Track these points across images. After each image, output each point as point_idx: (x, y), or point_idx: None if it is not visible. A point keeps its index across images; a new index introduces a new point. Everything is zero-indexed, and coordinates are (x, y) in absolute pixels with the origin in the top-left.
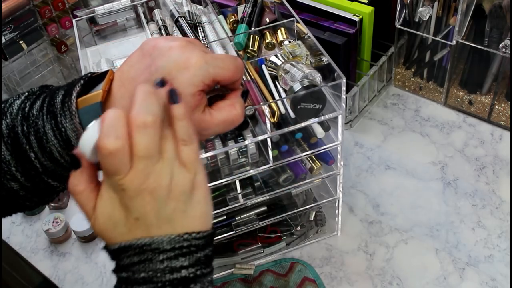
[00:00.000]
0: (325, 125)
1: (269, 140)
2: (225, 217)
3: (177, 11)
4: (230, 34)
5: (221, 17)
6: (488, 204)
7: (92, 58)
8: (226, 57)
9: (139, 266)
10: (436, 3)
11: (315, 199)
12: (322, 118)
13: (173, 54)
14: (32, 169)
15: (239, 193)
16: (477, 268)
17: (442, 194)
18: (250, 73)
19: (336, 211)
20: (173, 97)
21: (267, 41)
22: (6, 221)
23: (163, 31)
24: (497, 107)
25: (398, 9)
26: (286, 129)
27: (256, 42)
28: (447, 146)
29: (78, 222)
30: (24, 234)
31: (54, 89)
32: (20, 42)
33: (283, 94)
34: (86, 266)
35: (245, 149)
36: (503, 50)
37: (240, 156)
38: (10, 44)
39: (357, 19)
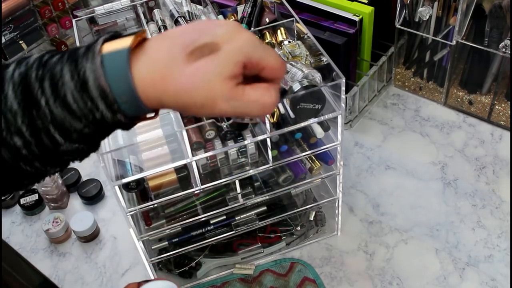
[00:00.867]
0: (324, 125)
1: (268, 140)
2: (225, 217)
3: (177, 11)
4: None
5: (220, 17)
6: (488, 204)
7: None
8: (275, 51)
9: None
10: (436, 3)
11: (315, 199)
12: (322, 118)
13: (229, 25)
14: (40, 118)
15: (239, 193)
16: (477, 268)
17: (442, 194)
18: None
19: (336, 211)
20: None
21: (266, 41)
22: (6, 221)
23: (163, 31)
24: (497, 107)
25: (398, 9)
26: (286, 129)
27: None
28: (447, 146)
29: (78, 222)
30: (24, 234)
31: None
32: (20, 42)
33: None
34: (86, 266)
35: (244, 149)
36: (503, 50)
37: (240, 156)
38: (10, 44)
39: (357, 19)
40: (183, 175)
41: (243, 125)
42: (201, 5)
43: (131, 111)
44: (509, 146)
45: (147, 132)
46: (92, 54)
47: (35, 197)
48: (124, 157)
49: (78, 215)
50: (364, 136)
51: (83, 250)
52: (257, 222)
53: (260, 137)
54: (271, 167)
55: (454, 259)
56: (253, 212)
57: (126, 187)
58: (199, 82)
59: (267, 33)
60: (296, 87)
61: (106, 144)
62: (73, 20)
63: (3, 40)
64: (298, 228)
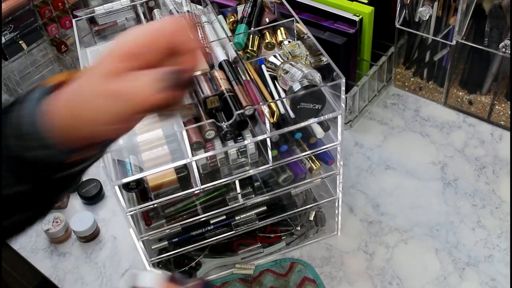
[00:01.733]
0: (324, 125)
1: (268, 140)
2: (225, 217)
3: (177, 11)
4: (229, 34)
5: (220, 17)
6: (488, 204)
7: (92, 58)
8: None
9: None
10: (436, 3)
11: (315, 199)
12: (322, 118)
13: None
14: None
15: (239, 193)
16: (477, 268)
17: (442, 194)
18: (250, 73)
19: (336, 211)
20: None
21: (266, 41)
22: None
23: None
24: (497, 107)
25: (398, 9)
26: (286, 129)
27: (256, 42)
28: (447, 146)
29: (78, 222)
30: (24, 234)
31: None
32: (20, 42)
33: (282, 94)
34: (86, 266)
35: (244, 149)
36: (503, 50)
37: (240, 156)
38: (10, 44)
39: (357, 19)
40: (183, 175)
41: (242, 125)
42: (201, 5)
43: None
44: (509, 146)
45: (147, 132)
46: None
47: None
48: (124, 157)
49: (78, 215)
50: (364, 136)
51: (83, 250)
52: (257, 222)
53: (260, 137)
54: (271, 167)
55: (454, 259)
56: (253, 212)
57: (126, 187)
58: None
59: (267, 33)
60: (296, 87)
61: None
62: (73, 20)
63: (3, 40)
64: (298, 228)
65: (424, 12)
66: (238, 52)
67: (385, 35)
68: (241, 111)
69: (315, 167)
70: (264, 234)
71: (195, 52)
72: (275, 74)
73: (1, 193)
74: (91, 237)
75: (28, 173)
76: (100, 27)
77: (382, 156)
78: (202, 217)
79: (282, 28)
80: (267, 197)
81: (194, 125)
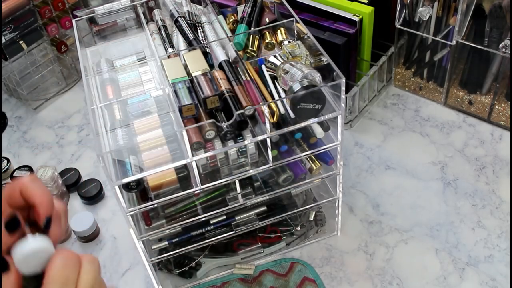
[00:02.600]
0: (324, 125)
1: (268, 140)
2: (225, 217)
3: (177, 11)
4: (229, 34)
5: (220, 17)
6: (488, 204)
7: (92, 58)
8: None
9: None
10: (436, 3)
11: (315, 199)
12: (322, 118)
13: None
14: None
15: (239, 193)
16: (477, 268)
17: (442, 194)
18: (250, 73)
19: (336, 211)
20: None
21: (266, 41)
22: None
23: (162, 31)
24: (497, 107)
25: (398, 9)
26: (286, 129)
27: (256, 42)
28: (447, 146)
29: (78, 222)
30: None
31: None
32: (20, 42)
33: (282, 94)
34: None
35: (244, 149)
36: (503, 50)
37: (240, 156)
38: (10, 44)
39: (357, 19)
40: (183, 175)
41: (242, 125)
42: (201, 5)
43: None
44: (509, 146)
45: (147, 132)
46: None
47: None
48: (124, 157)
49: (78, 215)
50: (364, 136)
51: (83, 250)
52: (257, 222)
53: (260, 137)
54: (271, 167)
55: (454, 259)
56: (253, 212)
57: (126, 187)
58: None
59: (267, 33)
60: (296, 87)
61: (106, 144)
62: (73, 20)
63: (3, 40)
64: (298, 228)
65: (424, 12)
66: (238, 52)
67: (385, 35)
68: (241, 111)
69: (315, 167)
70: (264, 234)
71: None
72: (275, 74)
73: None
74: (91, 237)
75: None
76: (100, 27)
77: (382, 156)
78: (202, 217)
79: (282, 28)
80: (267, 197)
81: (194, 125)
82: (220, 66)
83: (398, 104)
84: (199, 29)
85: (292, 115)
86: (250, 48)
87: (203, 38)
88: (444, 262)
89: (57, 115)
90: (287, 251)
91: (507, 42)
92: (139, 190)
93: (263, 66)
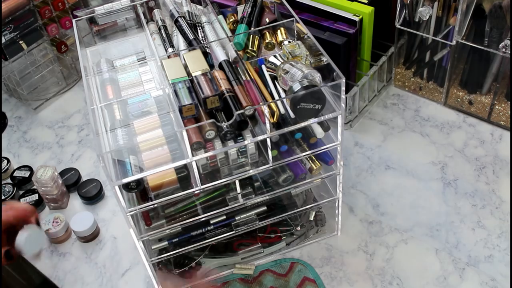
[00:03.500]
0: (324, 125)
1: (268, 140)
2: (225, 217)
3: (177, 11)
4: (229, 34)
5: (220, 17)
6: (488, 204)
7: (92, 58)
8: None
9: None
10: (436, 3)
11: (315, 199)
12: (322, 118)
13: None
14: None
15: (239, 193)
16: (477, 268)
17: (442, 194)
18: (250, 73)
19: (336, 211)
20: None
21: (266, 41)
22: None
23: (162, 31)
24: (497, 107)
25: (398, 9)
26: (286, 129)
27: (256, 42)
28: (447, 146)
29: (78, 222)
30: None
31: None
32: (20, 42)
33: (282, 94)
34: (86, 266)
35: (244, 149)
36: (503, 50)
37: (240, 156)
38: (10, 44)
39: (357, 19)
40: (183, 175)
41: (242, 125)
42: (201, 5)
43: None
44: (509, 146)
45: (147, 132)
46: None
47: (35, 197)
48: (124, 157)
49: (78, 215)
50: (364, 136)
51: (83, 250)
52: (257, 222)
53: (260, 137)
54: (271, 167)
55: (454, 259)
56: (253, 212)
57: (126, 187)
58: None
59: (267, 33)
60: (296, 87)
61: (106, 144)
62: (73, 20)
63: (3, 40)
64: (298, 228)
65: (424, 12)
66: (238, 52)
67: (385, 35)
68: (241, 111)
69: (315, 167)
70: (264, 234)
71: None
72: (275, 74)
73: None
74: (91, 237)
75: None
76: (100, 27)
77: (382, 156)
78: (202, 217)
79: (282, 28)
80: (267, 197)
81: (194, 125)
82: (220, 66)
83: (398, 104)
84: (199, 29)
85: (292, 115)
86: (250, 48)
87: (203, 38)
88: (444, 262)
89: (57, 115)
90: (287, 251)
91: (507, 42)
92: (139, 190)
93: (263, 66)
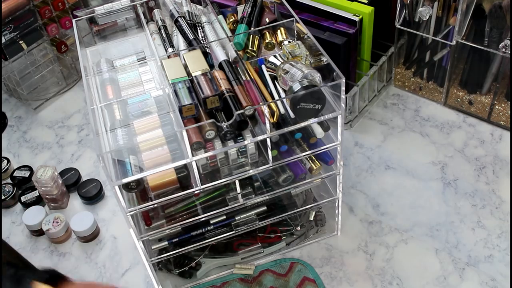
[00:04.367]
0: (324, 125)
1: (268, 140)
2: (225, 217)
3: (177, 11)
4: (229, 34)
5: (220, 17)
6: (488, 204)
7: (92, 58)
8: None
9: None
10: (436, 3)
11: (315, 199)
12: (322, 118)
13: None
14: None
15: (239, 193)
16: (477, 268)
17: (442, 194)
18: (250, 73)
19: (336, 211)
20: None
21: (266, 41)
22: (6, 221)
23: (162, 31)
24: (497, 107)
25: (398, 9)
26: (286, 129)
27: (256, 42)
28: (447, 146)
29: (78, 222)
30: (24, 234)
31: None
32: (20, 42)
33: (282, 94)
34: (86, 266)
35: (244, 149)
36: (503, 50)
37: (240, 156)
38: (10, 44)
39: (357, 19)
40: (183, 175)
41: (242, 125)
42: (201, 5)
43: None
44: (509, 146)
45: (147, 132)
46: None
47: (36, 193)
48: (124, 157)
49: (78, 215)
50: (364, 136)
51: (83, 250)
52: (257, 222)
53: (260, 137)
54: (271, 167)
55: (454, 259)
56: (253, 212)
57: (126, 187)
58: None
59: (267, 33)
60: (296, 87)
61: (106, 144)
62: (73, 20)
63: (3, 40)
64: (298, 228)
65: (424, 12)
66: (238, 52)
67: (385, 35)
68: (241, 111)
69: (315, 167)
70: (264, 234)
71: None
72: (275, 74)
73: None
74: (91, 237)
75: None
76: (100, 27)
77: (382, 156)
78: (202, 217)
79: (282, 28)
80: (267, 197)
81: (194, 125)
82: (220, 66)
83: (398, 104)
84: (199, 29)
85: (292, 115)
86: (250, 48)
87: (203, 38)
88: (444, 262)
89: (57, 115)
90: (287, 251)
91: (507, 42)
92: (139, 190)
93: (263, 66)
